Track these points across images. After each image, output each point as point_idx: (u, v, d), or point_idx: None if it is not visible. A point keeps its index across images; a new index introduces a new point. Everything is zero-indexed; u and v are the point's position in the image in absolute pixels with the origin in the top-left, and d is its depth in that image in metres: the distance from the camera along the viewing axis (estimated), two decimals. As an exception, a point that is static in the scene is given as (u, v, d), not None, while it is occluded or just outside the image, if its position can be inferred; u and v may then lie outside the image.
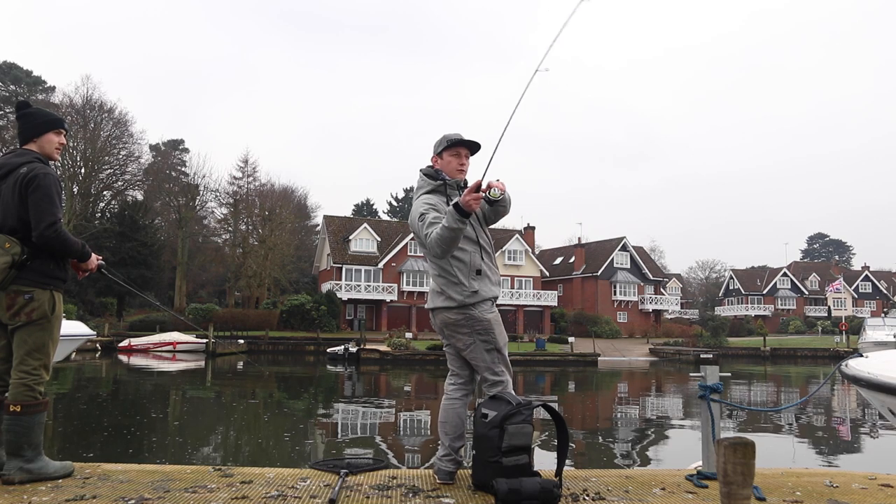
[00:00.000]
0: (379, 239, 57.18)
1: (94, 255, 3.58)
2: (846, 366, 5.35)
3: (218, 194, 61.64)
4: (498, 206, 3.48)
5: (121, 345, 39.56)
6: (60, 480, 3.30)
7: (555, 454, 3.41)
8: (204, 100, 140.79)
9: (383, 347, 38.40)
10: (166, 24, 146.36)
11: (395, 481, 3.43)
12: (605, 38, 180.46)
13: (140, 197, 61.18)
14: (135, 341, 39.77)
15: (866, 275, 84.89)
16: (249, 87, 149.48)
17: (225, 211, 63.30)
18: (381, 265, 55.52)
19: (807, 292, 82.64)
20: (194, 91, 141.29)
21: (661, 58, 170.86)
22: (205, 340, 39.04)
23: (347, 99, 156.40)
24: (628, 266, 66.32)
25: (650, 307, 66.13)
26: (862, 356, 5.66)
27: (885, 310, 68.75)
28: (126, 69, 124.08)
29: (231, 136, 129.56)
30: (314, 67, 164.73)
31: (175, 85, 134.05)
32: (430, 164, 3.68)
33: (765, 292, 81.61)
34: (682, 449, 11.76)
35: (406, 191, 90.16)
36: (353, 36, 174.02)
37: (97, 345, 38.89)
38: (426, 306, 3.71)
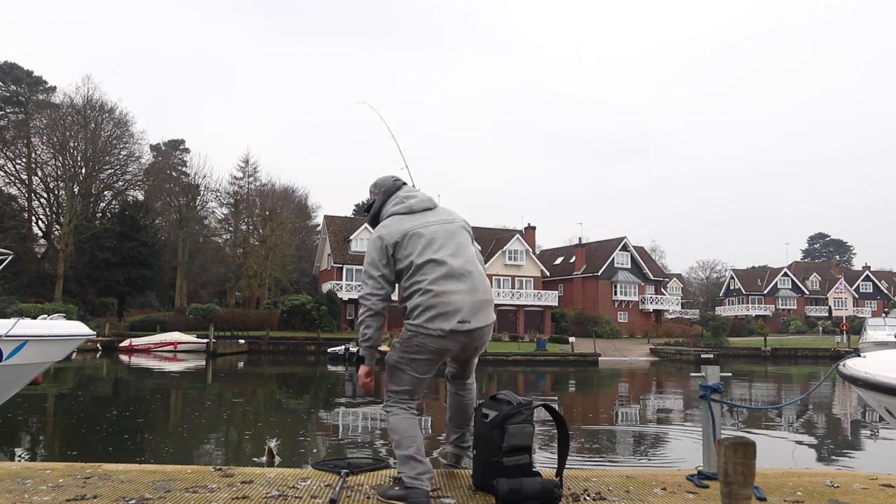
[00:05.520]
0: (380, 239, 57.16)
1: None
2: (844, 366, 5.34)
3: (218, 194, 61.82)
4: None
5: (122, 345, 39.62)
6: (61, 480, 3.30)
7: (555, 454, 3.41)
8: (200, 99, 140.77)
9: (384, 347, 38.32)
10: (157, 24, 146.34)
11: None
12: (603, 34, 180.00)
13: (141, 197, 61.26)
14: (136, 341, 39.82)
15: (867, 275, 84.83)
16: (247, 87, 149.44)
17: (226, 211, 63.47)
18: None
19: (808, 292, 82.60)
20: (190, 90, 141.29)
21: (658, 51, 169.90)
22: (206, 340, 39.10)
23: (343, 98, 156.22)
24: (629, 266, 66.30)
25: (651, 307, 66.09)
26: (860, 356, 5.64)
27: (885, 310, 68.67)
28: (121, 68, 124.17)
29: (229, 137, 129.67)
30: (307, 67, 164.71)
31: (170, 85, 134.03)
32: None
33: (765, 292, 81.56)
34: (683, 449, 11.75)
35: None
36: (324, 26, 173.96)
37: (98, 345, 38.95)
38: (486, 322, 3.25)
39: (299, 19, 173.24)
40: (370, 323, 3.24)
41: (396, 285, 3.34)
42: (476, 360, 3.63)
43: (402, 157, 5.09)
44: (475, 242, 3.52)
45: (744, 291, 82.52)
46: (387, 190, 3.49)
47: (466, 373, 3.65)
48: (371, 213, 3.52)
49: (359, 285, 54.30)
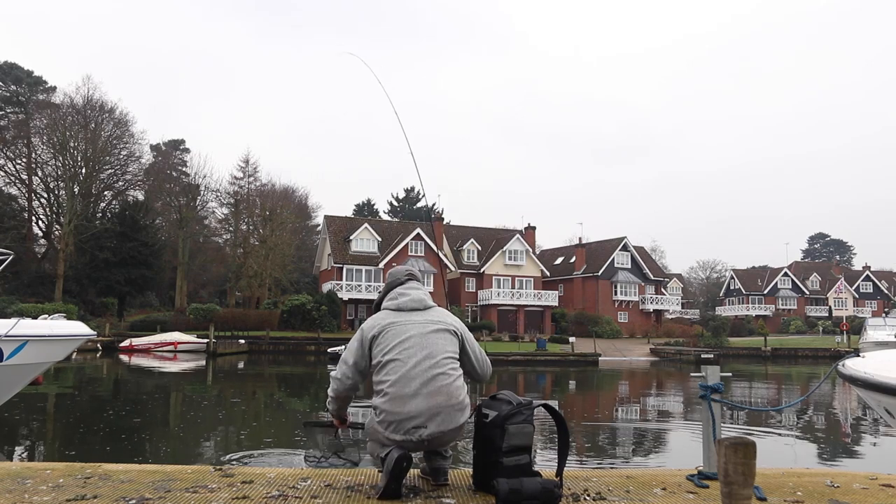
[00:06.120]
0: (380, 239, 57.21)
1: None
2: (843, 366, 5.34)
3: (218, 194, 61.86)
4: None
5: (122, 345, 39.64)
6: (61, 480, 3.30)
7: (555, 454, 3.41)
8: (200, 99, 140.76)
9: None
10: (157, 24, 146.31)
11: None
12: (603, 34, 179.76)
13: (141, 197, 61.27)
14: (136, 341, 39.84)
15: (867, 275, 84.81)
16: (247, 87, 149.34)
17: (226, 211, 63.52)
18: (381, 265, 55.51)
19: (808, 292, 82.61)
20: (190, 90, 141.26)
21: (658, 51, 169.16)
22: (206, 340, 39.13)
23: (343, 98, 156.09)
24: (629, 266, 66.30)
25: (651, 307, 66.10)
26: (860, 356, 5.64)
27: (886, 310, 68.64)
28: (121, 68, 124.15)
29: (229, 137, 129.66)
30: (307, 67, 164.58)
31: (170, 84, 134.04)
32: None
33: (766, 292, 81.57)
34: (683, 449, 11.75)
35: (406, 191, 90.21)
36: (325, 26, 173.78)
37: (98, 345, 38.97)
38: (447, 427, 3.19)
39: (299, 19, 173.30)
40: (334, 403, 3.56)
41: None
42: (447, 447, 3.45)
43: (399, 121, 5.16)
44: (468, 342, 3.47)
45: (744, 291, 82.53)
46: (391, 283, 3.62)
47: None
48: (375, 302, 3.67)
49: (359, 286, 54.45)
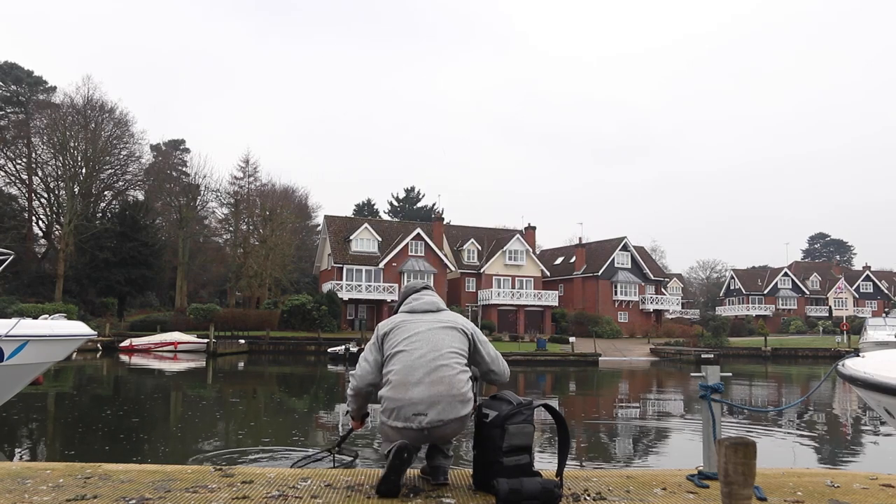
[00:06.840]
0: (380, 239, 57.19)
1: None
2: (843, 365, 5.34)
3: (219, 194, 61.83)
4: None
5: (122, 345, 39.64)
6: (61, 480, 3.30)
7: (555, 454, 3.41)
8: (200, 99, 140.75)
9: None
10: (157, 24, 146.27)
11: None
12: (603, 34, 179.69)
13: (141, 197, 61.26)
14: (136, 341, 39.84)
15: (867, 275, 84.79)
16: (247, 87, 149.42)
17: (226, 211, 63.50)
18: (381, 265, 55.51)
19: (808, 292, 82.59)
20: (190, 90, 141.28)
21: (658, 51, 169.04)
22: (206, 340, 39.13)
23: (342, 97, 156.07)
24: (629, 266, 66.28)
25: (651, 307, 66.08)
26: (859, 356, 5.64)
27: (886, 310, 68.63)
28: (121, 68, 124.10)
29: (229, 137, 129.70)
30: (307, 67, 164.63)
31: (171, 84, 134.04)
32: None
33: (766, 292, 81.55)
34: (683, 449, 11.75)
35: (407, 190, 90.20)
36: (325, 26, 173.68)
37: (98, 345, 38.97)
38: (447, 417, 3.23)
39: (299, 19, 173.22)
40: (352, 401, 3.70)
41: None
42: (450, 445, 3.50)
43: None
44: (480, 343, 3.56)
45: (744, 291, 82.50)
46: (405, 292, 3.82)
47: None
48: (393, 311, 3.83)
49: (359, 286, 54.46)
